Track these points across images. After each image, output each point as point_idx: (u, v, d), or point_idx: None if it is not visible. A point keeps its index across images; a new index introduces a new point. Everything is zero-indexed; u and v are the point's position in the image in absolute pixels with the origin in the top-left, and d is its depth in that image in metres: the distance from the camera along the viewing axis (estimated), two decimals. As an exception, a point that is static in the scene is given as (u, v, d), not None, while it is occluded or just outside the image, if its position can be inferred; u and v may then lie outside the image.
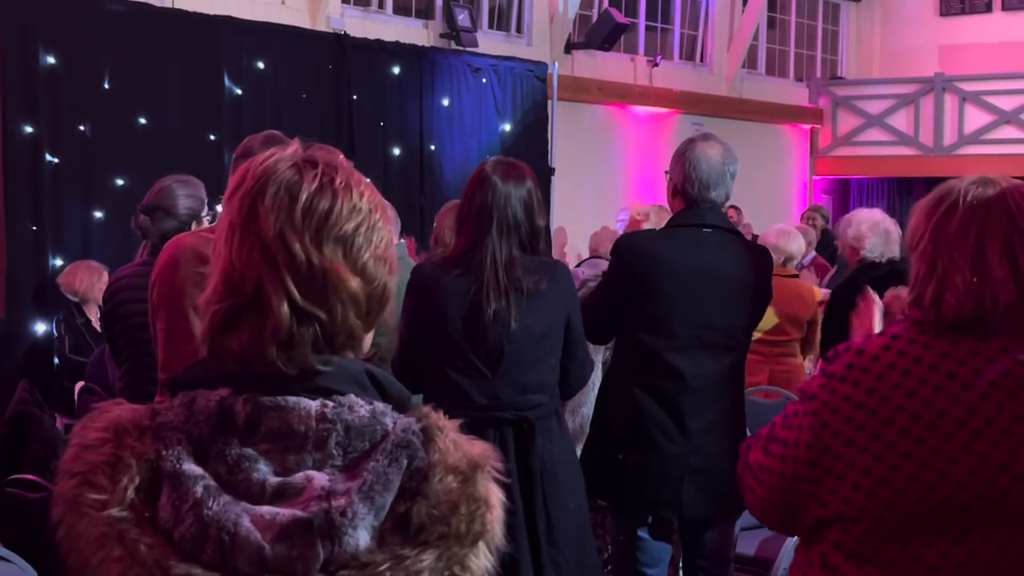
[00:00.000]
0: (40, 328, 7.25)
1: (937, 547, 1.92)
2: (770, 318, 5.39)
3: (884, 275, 5.15)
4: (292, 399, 1.30)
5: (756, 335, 4.30)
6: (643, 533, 3.66)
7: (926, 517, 1.91)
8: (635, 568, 3.68)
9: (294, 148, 1.36)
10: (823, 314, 5.61)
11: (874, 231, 5.30)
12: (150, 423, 1.30)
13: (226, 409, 1.29)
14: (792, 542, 3.49)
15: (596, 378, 4.01)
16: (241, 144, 3.29)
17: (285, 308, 1.29)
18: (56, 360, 6.80)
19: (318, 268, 1.30)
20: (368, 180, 1.40)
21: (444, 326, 3.23)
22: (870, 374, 1.96)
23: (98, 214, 7.51)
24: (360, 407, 1.32)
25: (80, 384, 5.85)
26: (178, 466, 1.25)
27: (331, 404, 1.31)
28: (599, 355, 4.14)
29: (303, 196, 1.31)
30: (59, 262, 7.23)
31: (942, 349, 1.95)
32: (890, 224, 5.39)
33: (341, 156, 1.38)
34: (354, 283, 1.33)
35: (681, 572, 3.90)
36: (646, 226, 4.45)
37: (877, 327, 2.40)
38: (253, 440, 1.28)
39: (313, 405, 1.30)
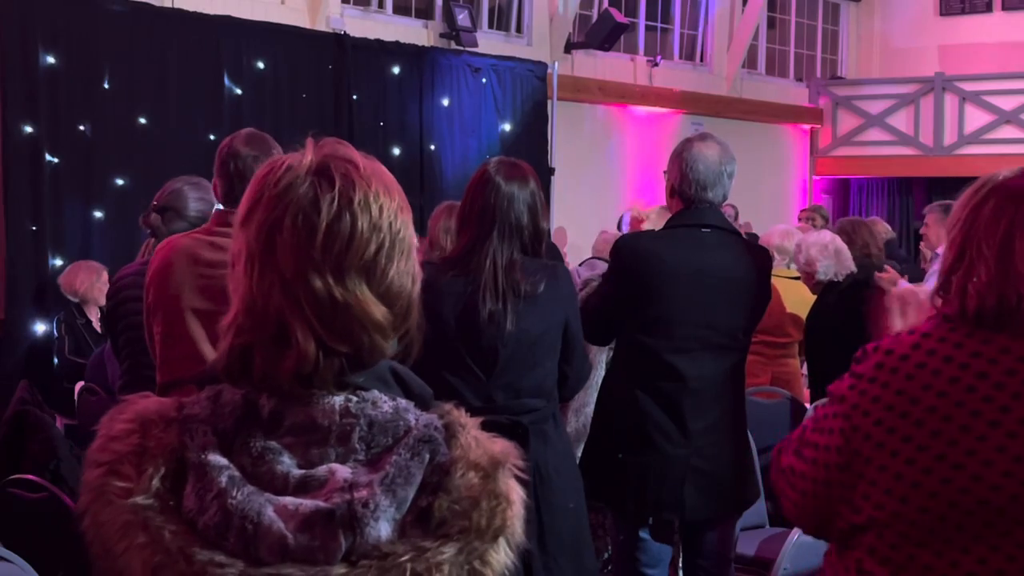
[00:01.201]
0: (40, 328, 7.25)
1: (974, 553, 1.86)
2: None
3: (847, 288, 5.37)
4: (316, 394, 1.31)
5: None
6: (644, 534, 3.65)
7: (961, 521, 1.86)
8: (636, 569, 3.68)
9: (309, 157, 1.33)
10: (805, 335, 5.71)
11: (824, 253, 5.46)
12: (176, 415, 1.31)
13: (251, 403, 1.31)
14: (792, 542, 3.49)
15: (600, 377, 3.99)
16: (224, 142, 3.27)
17: (312, 346, 1.29)
18: (56, 360, 6.80)
19: (341, 304, 1.30)
20: (383, 175, 1.37)
21: (438, 326, 3.19)
22: (899, 374, 1.90)
23: (98, 214, 7.51)
24: (383, 403, 1.33)
25: (80, 384, 5.85)
26: (203, 457, 1.27)
27: (355, 399, 1.32)
28: (603, 354, 4.13)
29: (322, 225, 1.29)
30: (59, 262, 7.23)
31: (973, 348, 1.89)
32: (839, 244, 5.56)
33: (357, 157, 1.35)
34: (379, 313, 1.32)
35: (681, 572, 3.90)
36: (646, 227, 4.43)
37: (898, 320, 2.31)
38: (277, 433, 1.30)
39: (337, 400, 1.31)
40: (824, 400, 2.10)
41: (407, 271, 1.36)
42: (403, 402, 1.35)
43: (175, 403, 1.33)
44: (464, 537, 1.29)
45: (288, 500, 1.26)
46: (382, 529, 1.26)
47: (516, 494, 1.35)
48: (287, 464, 1.29)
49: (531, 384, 3.26)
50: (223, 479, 1.25)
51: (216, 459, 1.27)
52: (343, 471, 1.28)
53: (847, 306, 5.35)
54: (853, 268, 5.47)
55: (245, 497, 1.24)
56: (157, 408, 1.32)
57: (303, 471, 1.28)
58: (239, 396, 1.31)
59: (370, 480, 1.27)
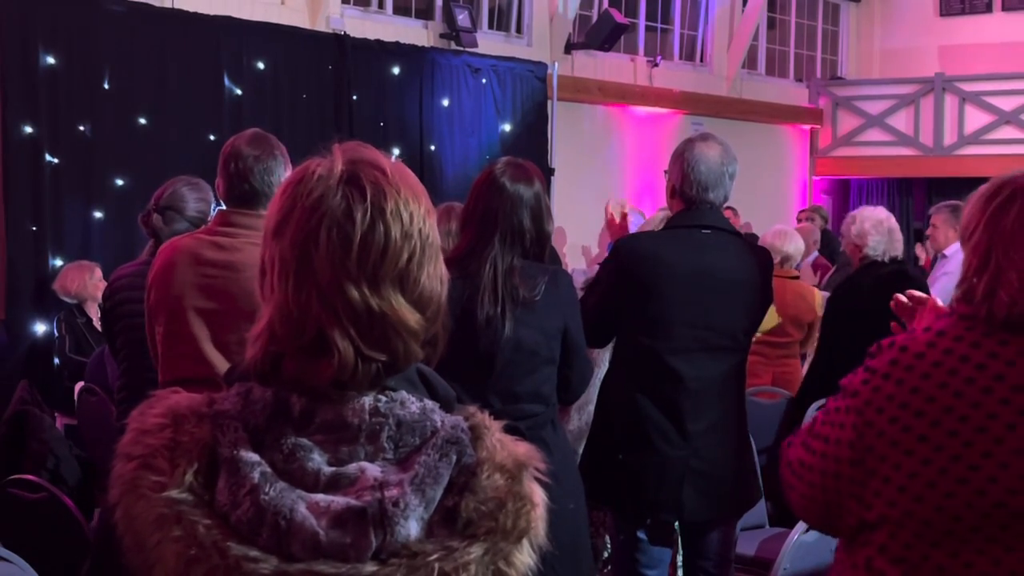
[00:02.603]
0: (40, 328, 7.24)
1: (989, 554, 1.85)
2: (771, 318, 5.39)
3: (888, 274, 5.14)
4: (347, 394, 1.33)
5: (757, 335, 4.30)
6: (642, 535, 3.65)
7: (976, 523, 1.84)
8: (635, 569, 3.67)
9: (339, 165, 1.34)
10: (823, 312, 5.61)
11: (877, 229, 5.29)
12: (208, 410, 1.33)
13: (281, 400, 1.32)
14: (792, 542, 3.49)
15: (603, 374, 3.97)
16: (228, 143, 3.28)
17: (351, 355, 1.31)
18: (56, 360, 6.80)
19: (378, 314, 1.32)
20: (409, 178, 1.38)
21: None
22: (915, 373, 1.88)
23: (98, 214, 7.51)
24: (411, 403, 1.35)
25: (80, 384, 5.85)
26: (236, 452, 1.28)
27: (384, 399, 1.34)
28: (607, 352, 4.10)
29: (357, 237, 1.31)
30: (59, 262, 7.22)
31: (990, 348, 1.87)
32: (894, 223, 5.38)
33: (383, 162, 1.36)
34: (413, 320, 1.34)
35: (681, 573, 3.90)
36: (647, 226, 4.40)
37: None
38: (307, 431, 1.32)
39: (367, 399, 1.33)
40: (823, 402, 2.08)
41: (437, 275, 1.38)
42: (429, 403, 1.37)
43: (206, 398, 1.35)
44: (490, 538, 1.31)
45: (320, 497, 1.27)
46: (411, 528, 1.28)
47: (539, 496, 1.37)
48: (318, 461, 1.30)
49: (529, 390, 3.22)
50: (256, 475, 1.27)
51: (248, 455, 1.28)
52: (373, 470, 1.30)
53: (881, 294, 5.22)
54: (900, 252, 5.32)
55: (278, 493, 1.26)
56: (189, 403, 1.34)
57: (333, 468, 1.30)
58: (269, 394, 1.33)
59: (400, 479, 1.29)
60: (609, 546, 4.34)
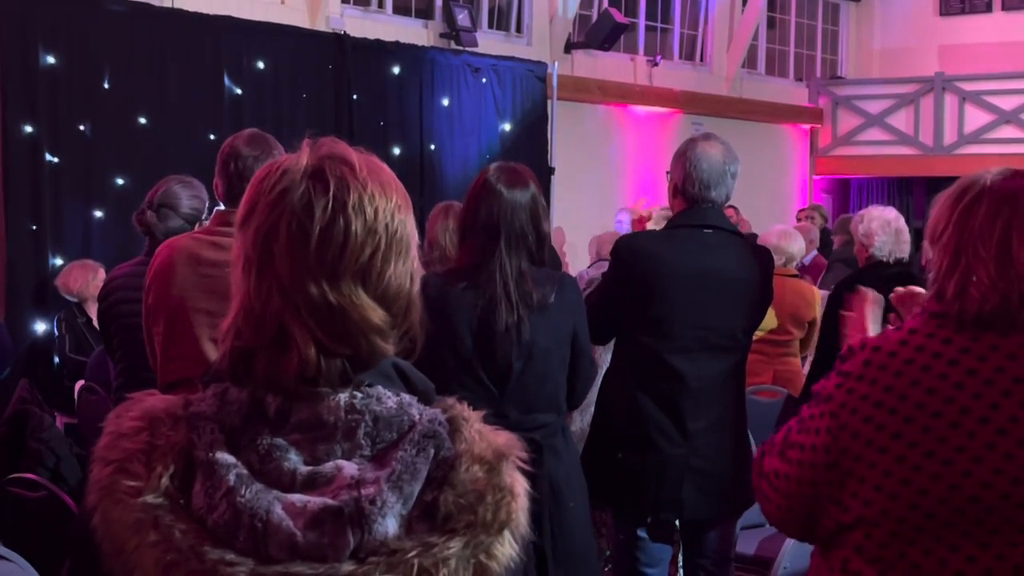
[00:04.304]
0: (40, 328, 7.25)
1: (963, 551, 1.86)
2: (770, 319, 5.39)
3: (892, 276, 5.12)
4: (321, 391, 1.32)
5: (758, 335, 4.29)
6: (643, 533, 3.65)
7: (950, 519, 1.85)
8: (635, 568, 3.68)
9: (305, 160, 1.33)
10: (824, 311, 5.59)
11: (884, 229, 5.27)
12: (184, 412, 1.31)
13: (257, 400, 1.31)
14: (792, 541, 3.49)
15: (603, 374, 3.96)
16: (226, 142, 3.27)
17: (312, 351, 1.30)
18: (56, 359, 6.80)
19: (338, 308, 1.30)
20: (380, 173, 1.36)
21: (452, 341, 3.12)
22: (888, 371, 1.90)
23: (98, 214, 7.52)
24: (387, 398, 1.33)
25: (80, 383, 5.85)
26: (211, 455, 1.27)
27: (359, 395, 1.32)
28: (608, 352, 4.10)
29: (316, 231, 1.29)
30: (59, 262, 7.23)
31: (962, 344, 1.88)
32: (902, 225, 5.36)
33: (353, 157, 1.34)
34: (377, 316, 1.32)
35: (681, 572, 3.90)
36: (649, 225, 4.39)
37: (872, 326, 2.33)
38: (284, 430, 1.30)
39: (342, 396, 1.32)
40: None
41: (405, 271, 1.35)
42: (407, 397, 1.35)
43: (182, 401, 1.33)
44: (470, 531, 1.29)
45: (296, 498, 1.26)
46: (389, 525, 1.26)
47: (520, 486, 1.35)
48: (294, 461, 1.29)
49: (542, 398, 3.22)
50: (231, 477, 1.25)
51: (224, 457, 1.27)
52: (350, 468, 1.28)
53: (883, 295, 5.21)
54: (906, 254, 5.30)
55: (254, 495, 1.25)
56: (165, 406, 1.33)
57: (310, 468, 1.29)
58: (245, 394, 1.32)
59: (377, 477, 1.27)
60: (610, 545, 4.33)
